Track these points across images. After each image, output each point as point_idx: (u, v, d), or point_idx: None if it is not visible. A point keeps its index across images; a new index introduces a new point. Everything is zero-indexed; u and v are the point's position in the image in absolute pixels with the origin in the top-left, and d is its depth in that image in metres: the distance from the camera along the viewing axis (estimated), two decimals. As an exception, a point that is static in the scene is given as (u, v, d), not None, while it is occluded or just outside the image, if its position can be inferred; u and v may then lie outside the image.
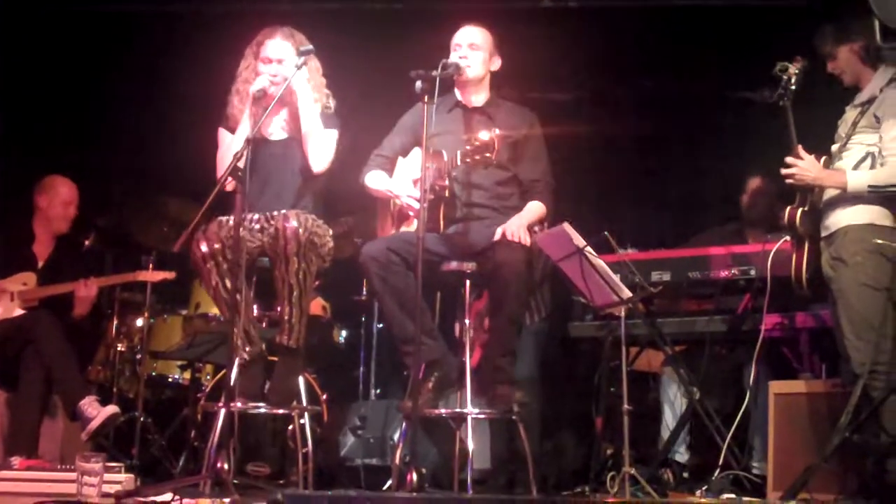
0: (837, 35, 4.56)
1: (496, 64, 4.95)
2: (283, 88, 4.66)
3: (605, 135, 6.37)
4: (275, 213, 4.67)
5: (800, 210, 4.56)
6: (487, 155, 4.40)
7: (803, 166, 4.49)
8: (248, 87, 4.75)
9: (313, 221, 4.59)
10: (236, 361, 4.52)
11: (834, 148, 4.57)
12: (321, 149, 4.71)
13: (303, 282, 4.55)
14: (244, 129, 4.67)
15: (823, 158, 4.55)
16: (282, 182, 4.76)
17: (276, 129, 4.86)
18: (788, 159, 4.52)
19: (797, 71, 4.55)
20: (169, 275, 5.81)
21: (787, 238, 4.73)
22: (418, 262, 4.24)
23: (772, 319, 4.94)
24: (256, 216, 4.69)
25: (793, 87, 4.54)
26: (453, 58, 4.78)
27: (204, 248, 4.53)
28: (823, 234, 4.50)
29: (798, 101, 4.55)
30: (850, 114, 4.55)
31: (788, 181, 4.56)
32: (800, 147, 4.51)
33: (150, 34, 6.70)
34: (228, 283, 4.50)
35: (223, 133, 4.82)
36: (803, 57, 4.59)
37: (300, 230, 4.50)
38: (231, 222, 4.49)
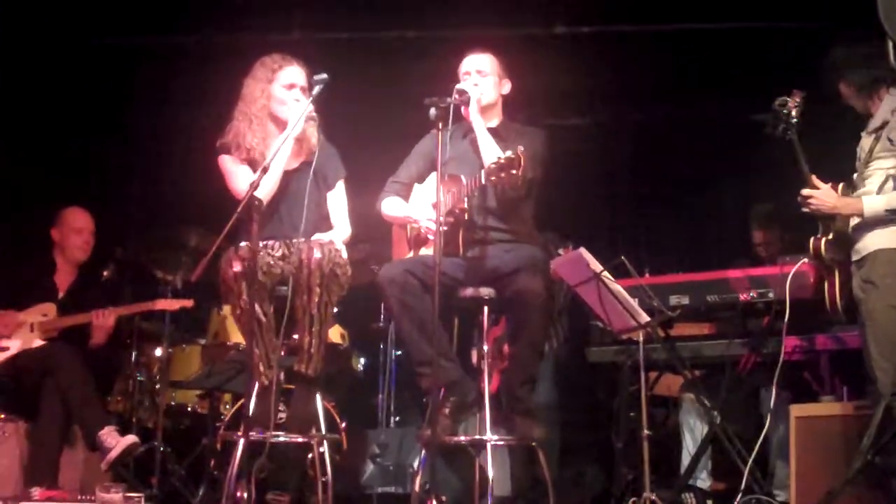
0: (832, 72, 4.59)
1: (507, 87, 4.95)
2: (303, 116, 4.66)
3: (620, 160, 6.37)
4: (294, 240, 4.67)
5: (823, 240, 4.57)
6: (514, 172, 4.32)
7: (820, 196, 4.50)
8: (263, 111, 4.73)
9: (336, 252, 4.58)
10: (255, 387, 4.49)
11: (855, 176, 4.57)
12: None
13: (323, 312, 4.54)
14: (280, 160, 4.64)
15: (841, 186, 4.55)
16: (298, 210, 4.73)
17: (288, 158, 4.83)
18: (804, 192, 4.53)
19: (797, 104, 4.56)
20: (187, 303, 5.81)
21: (805, 260, 4.71)
22: (435, 284, 4.21)
23: (791, 342, 4.90)
24: (277, 244, 4.69)
25: (795, 120, 4.55)
26: (464, 85, 4.79)
27: (237, 267, 4.48)
28: (854, 258, 4.50)
29: (812, 126, 4.54)
30: (866, 141, 4.56)
31: (805, 211, 4.56)
32: (813, 177, 4.53)
33: (160, 65, 6.74)
34: (257, 305, 4.48)
35: (227, 161, 4.76)
36: (803, 88, 4.60)
37: (324, 261, 4.49)
38: (265, 243, 4.54)
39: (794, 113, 4.54)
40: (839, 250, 4.54)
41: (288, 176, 4.75)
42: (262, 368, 4.52)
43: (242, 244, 4.50)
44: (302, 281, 4.50)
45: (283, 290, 4.61)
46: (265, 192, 4.61)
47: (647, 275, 5.24)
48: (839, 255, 4.54)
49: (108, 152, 6.88)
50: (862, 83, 4.51)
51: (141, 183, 6.97)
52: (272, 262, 4.61)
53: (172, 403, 6.36)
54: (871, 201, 4.42)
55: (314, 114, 4.70)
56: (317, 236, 4.67)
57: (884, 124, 4.46)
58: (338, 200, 4.90)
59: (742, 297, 5.07)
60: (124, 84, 6.74)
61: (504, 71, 4.93)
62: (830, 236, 4.57)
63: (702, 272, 5.31)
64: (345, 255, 4.62)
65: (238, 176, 4.70)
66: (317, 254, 4.50)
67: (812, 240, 4.60)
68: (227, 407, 6.20)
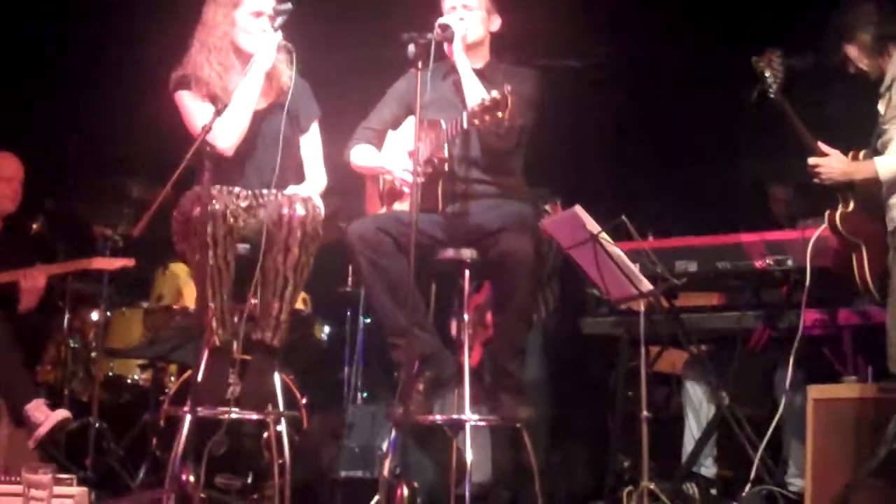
0: (839, 35, 4.63)
1: (496, 24, 4.94)
2: (272, 47, 4.64)
3: (625, 110, 6.35)
4: (264, 191, 4.68)
5: (839, 213, 4.58)
6: (499, 115, 4.32)
7: (828, 164, 4.56)
8: (224, 39, 4.69)
9: (317, 210, 4.58)
10: (206, 353, 4.48)
11: (879, 143, 4.60)
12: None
13: (299, 276, 4.55)
14: (249, 96, 4.62)
15: (862, 153, 4.59)
16: (269, 157, 4.72)
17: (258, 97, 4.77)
18: (811, 160, 4.57)
19: (775, 61, 4.60)
20: (128, 262, 5.81)
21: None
22: (411, 244, 4.22)
23: (811, 315, 4.93)
24: (244, 192, 4.69)
25: (777, 81, 4.59)
26: (448, 20, 4.76)
27: (200, 210, 4.39)
28: (889, 226, 4.50)
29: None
30: (880, 105, 4.60)
31: (816, 181, 4.60)
32: (820, 143, 4.57)
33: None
34: (220, 252, 4.45)
35: (186, 97, 4.71)
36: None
37: (307, 219, 4.50)
38: (230, 190, 4.57)
39: (768, 73, 4.61)
40: (867, 221, 4.56)
41: (257, 117, 4.72)
42: (214, 326, 4.49)
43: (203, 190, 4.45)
44: (279, 238, 4.49)
45: (243, 249, 4.59)
46: (233, 138, 4.62)
47: (650, 238, 5.24)
48: (870, 226, 4.56)
49: (38, 92, 6.82)
50: (871, 42, 4.56)
51: (76, 126, 6.90)
52: (238, 212, 4.58)
53: (110, 374, 6.37)
54: (885, 162, 4.44)
55: (287, 44, 4.67)
56: (292, 189, 4.67)
57: (892, 83, 4.51)
58: (312, 145, 4.90)
59: (757, 263, 5.08)
60: (57, 17, 6.68)
61: (493, 5, 4.91)
62: (850, 208, 4.59)
63: (712, 235, 5.32)
64: (323, 212, 4.61)
65: (199, 114, 4.63)
66: (300, 210, 4.50)
67: (827, 213, 4.61)
68: (173, 379, 6.22)
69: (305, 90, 4.89)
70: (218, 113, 4.38)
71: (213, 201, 4.42)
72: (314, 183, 4.82)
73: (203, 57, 4.72)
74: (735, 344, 5.12)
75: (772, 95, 4.64)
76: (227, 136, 4.59)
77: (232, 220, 4.47)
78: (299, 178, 4.83)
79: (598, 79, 6.65)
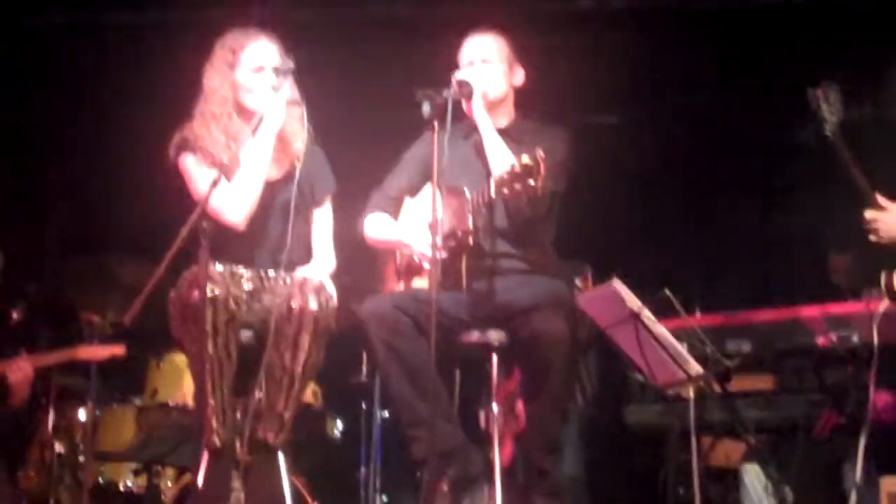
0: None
1: (519, 77, 5.00)
2: (280, 105, 4.67)
3: (663, 168, 6.35)
4: (270, 272, 4.70)
5: None
6: (531, 183, 4.31)
7: (887, 219, 4.54)
8: (225, 106, 4.73)
9: (331, 300, 4.58)
10: (205, 455, 4.48)
11: None
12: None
13: (309, 374, 4.58)
14: (261, 160, 4.66)
15: None
16: (278, 233, 4.74)
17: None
18: (868, 213, 4.56)
19: (830, 95, 4.61)
20: (118, 350, 5.82)
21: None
22: (432, 326, 4.22)
23: (881, 398, 4.90)
24: (248, 273, 4.71)
25: (833, 117, 4.60)
26: (466, 75, 4.82)
27: (199, 294, 4.39)
28: None
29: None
30: None
31: (873, 238, 4.60)
32: (877, 195, 4.57)
33: (86, 49, 6.77)
34: (221, 343, 4.46)
35: (191, 162, 4.73)
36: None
37: (320, 313, 4.51)
38: (234, 272, 4.58)
39: (824, 108, 4.60)
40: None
41: (268, 188, 4.74)
42: (215, 426, 4.50)
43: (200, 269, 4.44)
44: (287, 333, 4.50)
45: (246, 336, 4.60)
46: (244, 209, 4.64)
47: (697, 313, 5.24)
48: None
49: (19, 166, 6.88)
50: None
51: (61, 203, 6.96)
52: (241, 297, 4.60)
53: (100, 480, 6.34)
54: None
55: (297, 98, 4.70)
56: (301, 271, 4.68)
57: None
58: (323, 221, 4.93)
59: (818, 341, 5.06)
60: (37, 73, 6.77)
61: (516, 57, 4.97)
62: None
63: (767, 309, 5.31)
64: (336, 299, 4.61)
65: (205, 182, 4.54)
66: (312, 303, 4.50)
67: (884, 275, 4.61)
68: (170, 484, 6.18)
69: (319, 157, 4.92)
70: (216, 182, 4.35)
71: (214, 285, 4.43)
72: (322, 263, 4.83)
73: (204, 129, 4.75)
74: (797, 433, 5.08)
75: (827, 133, 4.62)
76: (236, 207, 4.62)
77: (234, 306, 4.48)
78: (308, 257, 4.85)
79: (631, 135, 6.67)
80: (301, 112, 4.76)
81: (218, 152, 4.70)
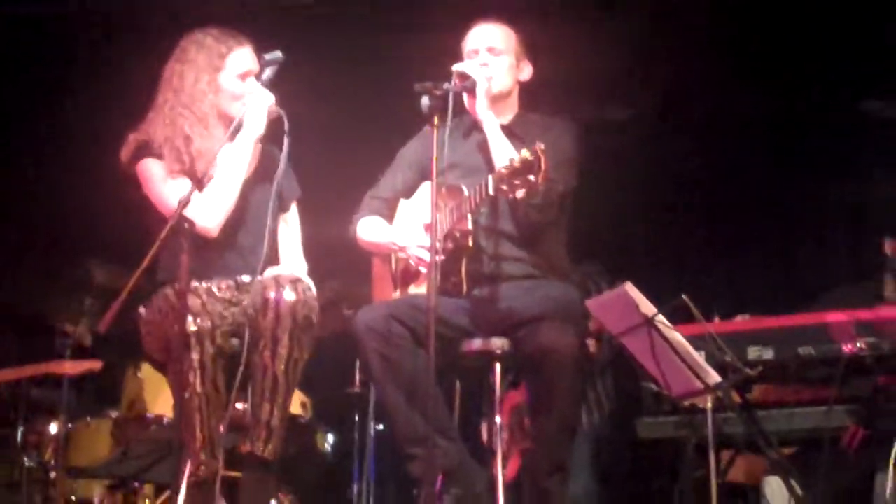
0: None
1: (526, 72, 4.99)
2: (263, 113, 4.68)
3: (679, 166, 6.35)
4: (244, 277, 4.67)
5: None
6: (531, 178, 4.28)
7: None
8: (211, 109, 4.73)
9: (309, 293, 4.54)
10: (186, 476, 4.44)
11: None
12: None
13: (292, 374, 4.50)
14: (239, 167, 4.67)
15: None
16: (254, 238, 4.73)
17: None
18: None
19: None
20: (94, 364, 5.80)
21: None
22: (430, 335, 4.17)
23: (913, 409, 4.89)
24: (224, 283, 4.68)
25: None
26: (468, 67, 4.79)
27: (191, 326, 4.39)
28: None
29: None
30: None
31: None
32: None
33: (55, 44, 6.81)
34: (209, 373, 4.43)
35: (154, 166, 4.71)
36: None
37: (298, 305, 4.46)
38: (213, 289, 4.56)
39: None
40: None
41: (244, 193, 4.75)
42: (203, 457, 4.46)
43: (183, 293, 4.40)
44: (264, 330, 4.45)
45: (234, 344, 4.56)
46: (219, 216, 4.65)
47: (716, 319, 5.27)
48: None
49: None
50: None
51: (27, 202, 6.94)
52: (223, 312, 4.56)
53: (73, 498, 6.31)
54: None
55: (279, 109, 4.71)
56: (274, 270, 4.65)
57: None
58: (292, 226, 4.97)
59: (845, 348, 5.05)
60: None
61: (524, 49, 4.94)
62: None
63: (791, 315, 5.29)
64: (315, 294, 4.58)
65: (172, 187, 4.61)
66: (288, 294, 4.45)
67: None
68: (147, 502, 6.16)
69: (287, 164, 4.91)
70: (197, 186, 4.36)
71: (197, 318, 4.40)
72: (294, 266, 4.83)
73: (179, 126, 4.72)
74: (823, 446, 5.05)
75: None
76: (211, 213, 4.61)
77: (221, 340, 4.44)
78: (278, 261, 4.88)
79: (645, 132, 6.66)
80: (279, 120, 4.75)
81: (200, 155, 4.68)
